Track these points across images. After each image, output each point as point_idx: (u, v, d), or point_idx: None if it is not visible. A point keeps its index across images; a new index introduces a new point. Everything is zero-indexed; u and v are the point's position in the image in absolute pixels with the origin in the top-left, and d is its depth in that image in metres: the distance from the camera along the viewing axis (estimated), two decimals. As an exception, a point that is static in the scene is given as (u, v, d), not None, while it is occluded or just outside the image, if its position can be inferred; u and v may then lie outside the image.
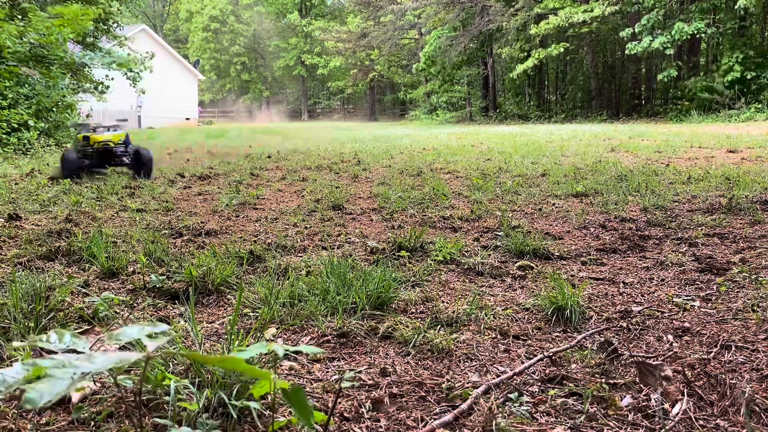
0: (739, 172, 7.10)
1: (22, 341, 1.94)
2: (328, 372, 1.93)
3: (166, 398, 1.58)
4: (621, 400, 1.70)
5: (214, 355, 1.21)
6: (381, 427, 1.59)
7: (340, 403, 1.70)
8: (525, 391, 1.79)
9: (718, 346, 2.11)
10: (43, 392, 0.95)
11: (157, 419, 1.51)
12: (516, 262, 3.29)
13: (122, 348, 2.00)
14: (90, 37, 15.59)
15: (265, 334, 2.22)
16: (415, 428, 1.59)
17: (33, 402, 0.94)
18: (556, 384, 1.83)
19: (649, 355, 2.05)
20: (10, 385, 0.99)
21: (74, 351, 1.22)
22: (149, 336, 1.26)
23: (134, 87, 16.74)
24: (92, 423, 1.57)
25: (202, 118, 44.58)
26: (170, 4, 63.98)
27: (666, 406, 1.67)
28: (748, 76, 25.22)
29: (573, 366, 1.95)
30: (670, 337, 2.21)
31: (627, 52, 28.37)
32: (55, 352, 1.19)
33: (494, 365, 1.99)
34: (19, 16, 11.93)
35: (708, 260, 3.28)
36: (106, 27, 15.72)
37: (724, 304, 2.57)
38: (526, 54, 34.04)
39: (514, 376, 1.87)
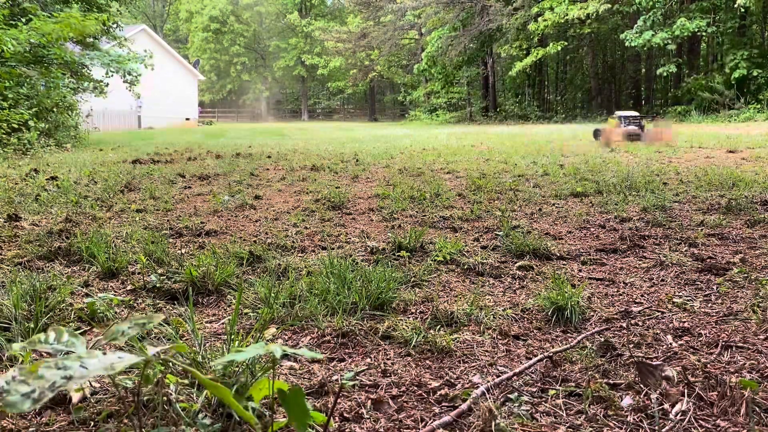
0: (739, 172, 7.10)
1: (22, 341, 1.94)
2: (328, 372, 1.93)
3: (166, 398, 1.58)
4: (621, 401, 1.70)
5: (210, 380, 1.21)
6: (381, 427, 1.59)
7: (339, 403, 1.70)
8: (525, 392, 1.79)
9: (718, 346, 2.11)
10: (26, 398, 0.93)
11: (156, 420, 1.51)
12: (516, 262, 3.29)
13: (121, 348, 2.00)
14: (90, 37, 15.60)
15: (265, 335, 2.22)
16: (415, 428, 1.59)
17: (14, 406, 0.92)
18: (556, 384, 1.83)
19: (649, 355, 2.05)
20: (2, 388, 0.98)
21: (72, 351, 1.21)
22: (140, 324, 1.25)
23: (131, 91, 16.77)
24: (92, 423, 1.57)
25: (202, 119, 44.56)
26: (170, 4, 63.97)
27: (666, 406, 1.67)
28: (755, 74, 25.26)
29: (573, 366, 1.95)
30: (670, 337, 2.21)
31: (627, 44, 28.38)
32: (53, 354, 1.19)
33: (494, 365, 1.99)
34: (21, 17, 11.95)
35: (708, 260, 3.28)
36: (105, 27, 15.74)
37: (724, 304, 2.57)
38: (525, 53, 34.06)
39: (514, 377, 1.87)
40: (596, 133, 14.55)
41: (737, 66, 25.68)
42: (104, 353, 1.11)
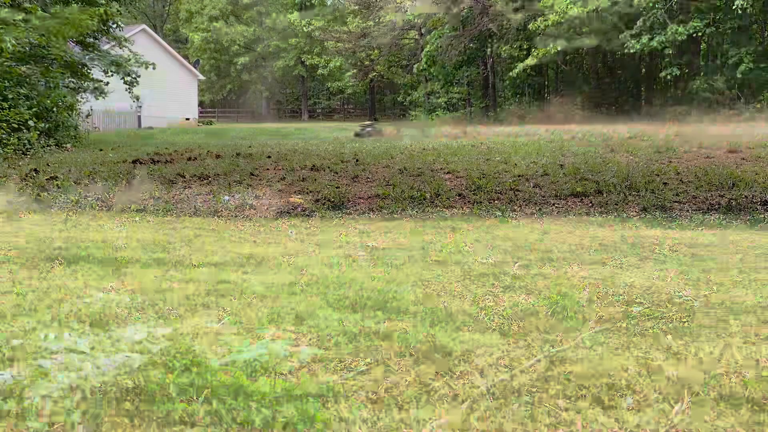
0: (739, 172, 7.10)
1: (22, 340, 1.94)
2: (328, 372, 1.93)
3: (166, 398, 1.58)
4: (621, 400, 1.70)
5: (219, 366, 1.21)
6: (381, 427, 1.59)
7: (339, 403, 1.70)
8: (525, 392, 1.79)
9: (718, 345, 2.11)
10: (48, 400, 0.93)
11: (156, 419, 1.51)
12: (516, 262, 3.29)
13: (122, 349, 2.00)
14: (90, 37, 15.60)
15: (265, 335, 2.22)
16: (415, 428, 1.59)
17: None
18: (556, 384, 1.83)
19: (649, 354, 2.05)
20: (9, 383, 0.98)
21: (75, 351, 1.21)
22: (150, 337, 1.26)
23: (130, 93, 16.74)
24: (92, 423, 1.57)
25: (201, 119, 44.57)
26: (170, 4, 63.99)
27: (666, 406, 1.67)
28: (759, 72, 25.30)
29: (573, 366, 1.95)
30: (670, 337, 2.21)
31: (625, 50, 28.41)
32: (56, 352, 1.19)
33: (494, 365, 1.99)
34: (20, 18, 11.94)
35: (708, 260, 3.28)
36: (105, 28, 15.73)
37: (725, 303, 2.57)
38: (525, 53, 34.07)
39: (514, 377, 1.87)
40: (357, 134, 20.20)
41: (742, 60, 25.66)
42: (107, 354, 1.11)
